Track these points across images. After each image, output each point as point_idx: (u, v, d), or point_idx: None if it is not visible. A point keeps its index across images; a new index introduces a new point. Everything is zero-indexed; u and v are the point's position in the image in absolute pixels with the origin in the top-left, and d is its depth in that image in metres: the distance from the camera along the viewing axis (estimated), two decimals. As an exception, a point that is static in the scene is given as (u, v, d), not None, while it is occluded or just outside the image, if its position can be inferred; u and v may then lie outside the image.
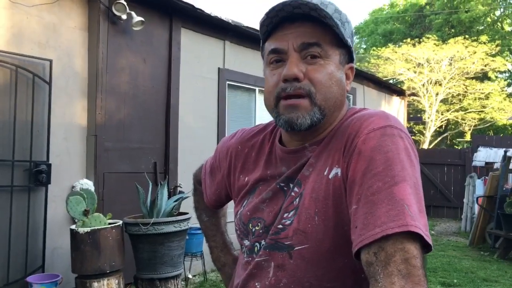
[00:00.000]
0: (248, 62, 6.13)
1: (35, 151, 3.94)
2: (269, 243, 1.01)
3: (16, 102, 3.81)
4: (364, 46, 26.68)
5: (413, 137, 17.52)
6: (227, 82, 5.91)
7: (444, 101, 16.88)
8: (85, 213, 3.56)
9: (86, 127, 4.36)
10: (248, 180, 1.14)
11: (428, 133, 16.48)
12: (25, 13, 3.91)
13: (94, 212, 3.65)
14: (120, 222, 3.74)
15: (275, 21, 0.98)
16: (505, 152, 7.95)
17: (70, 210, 3.53)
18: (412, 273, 0.74)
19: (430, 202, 10.78)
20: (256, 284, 1.02)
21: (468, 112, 17.05)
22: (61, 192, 4.07)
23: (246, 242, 1.08)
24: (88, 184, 4.17)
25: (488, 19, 22.06)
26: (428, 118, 16.21)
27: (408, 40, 17.67)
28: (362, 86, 9.51)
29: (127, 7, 4.35)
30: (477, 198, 7.84)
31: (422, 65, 15.51)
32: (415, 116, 17.09)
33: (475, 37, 18.60)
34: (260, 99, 6.41)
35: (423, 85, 15.80)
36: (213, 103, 5.72)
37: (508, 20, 22.03)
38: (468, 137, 18.11)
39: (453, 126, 19.32)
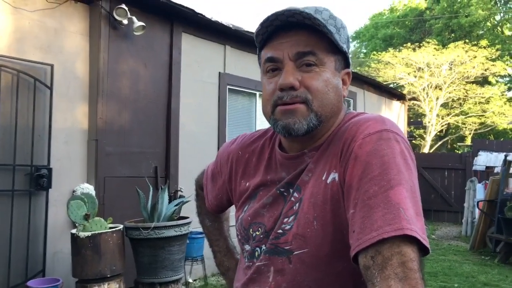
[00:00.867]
0: (249, 66, 6.15)
1: (36, 155, 3.95)
2: (269, 248, 1.02)
3: (18, 107, 3.82)
4: (365, 51, 26.72)
5: (413, 141, 17.55)
6: (228, 87, 5.93)
7: (444, 105, 16.90)
8: (86, 217, 3.57)
9: (87, 131, 4.37)
10: (249, 185, 1.15)
11: (429, 137, 16.49)
12: (27, 18, 3.93)
13: (94, 216, 3.66)
14: (121, 226, 3.74)
15: (270, 30, 1.00)
16: (506, 156, 7.94)
17: (71, 214, 3.54)
18: (409, 276, 0.75)
19: (431, 206, 10.77)
20: None
21: (468, 117, 17.06)
22: (61, 196, 4.07)
23: (247, 247, 1.09)
24: (89, 188, 4.17)
25: (488, 23, 22.10)
26: (429, 122, 16.23)
27: (408, 44, 17.70)
28: (362, 91, 9.53)
29: (128, 12, 4.37)
30: (477, 202, 7.84)
31: (422, 69, 15.54)
32: (416, 120, 17.10)
33: (475, 42, 18.63)
34: (260, 103, 6.42)
35: (424, 89, 15.82)
36: (214, 108, 5.73)
37: (508, 25, 22.06)
38: (468, 142, 18.11)
39: (453, 131, 19.33)
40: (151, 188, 4.20)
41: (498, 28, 22.51)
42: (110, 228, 3.65)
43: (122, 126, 4.59)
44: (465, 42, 16.88)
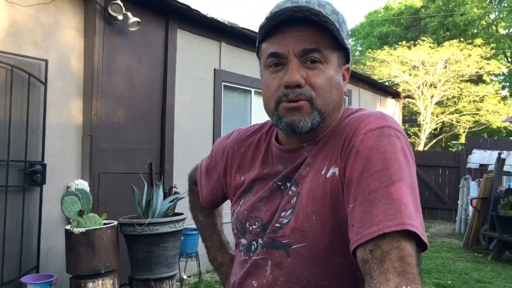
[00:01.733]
0: (244, 63, 6.14)
1: (30, 151, 3.93)
2: (266, 241, 1.01)
3: (12, 102, 3.80)
4: (360, 49, 26.76)
5: (408, 139, 17.58)
6: (223, 83, 5.92)
7: (439, 103, 16.97)
8: (80, 213, 3.56)
9: (81, 127, 4.35)
10: (245, 179, 1.14)
11: (423, 135, 16.56)
12: (21, 13, 3.91)
13: (89, 212, 3.65)
14: (115, 223, 3.73)
15: (273, 23, 0.97)
16: (499, 154, 8.00)
17: (65, 210, 3.53)
18: (407, 271, 0.76)
19: (425, 204, 10.81)
20: (253, 282, 1.03)
21: (463, 115, 17.14)
22: (56, 192, 4.06)
23: (243, 241, 1.09)
24: (83, 184, 4.16)
25: (483, 22, 22.19)
26: (423, 120, 16.29)
27: (404, 42, 17.76)
28: (357, 88, 9.54)
29: (123, 7, 4.36)
30: (471, 200, 7.88)
31: (417, 67, 15.59)
32: (410, 118, 17.16)
33: (470, 40, 18.70)
34: (256, 100, 6.42)
35: (418, 87, 15.88)
36: (209, 104, 5.72)
37: (503, 23, 22.17)
38: (462, 140, 18.20)
39: (448, 129, 19.42)
40: (145, 184, 4.19)
41: (493, 26, 22.62)
42: (105, 224, 3.64)
43: (117, 122, 4.58)
44: (460, 41, 16.95)
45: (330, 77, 0.98)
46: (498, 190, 7.22)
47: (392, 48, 18.09)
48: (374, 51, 19.56)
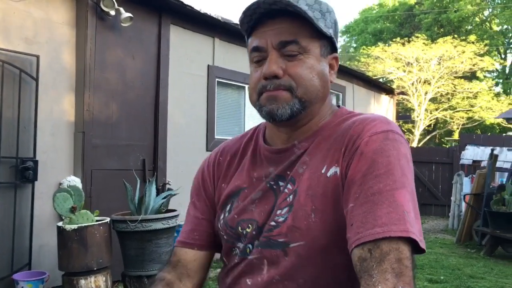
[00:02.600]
0: (238, 59, 6.12)
1: (22, 147, 3.90)
2: (262, 241, 1.00)
3: (3, 98, 3.77)
4: (355, 45, 26.79)
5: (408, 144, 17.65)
6: (217, 79, 5.90)
7: (433, 100, 17.04)
8: (72, 210, 3.54)
9: (73, 123, 4.33)
10: (230, 186, 1.12)
11: (417, 132, 16.63)
12: (12, 8, 3.87)
13: (81, 209, 3.63)
14: (108, 219, 3.72)
15: (255, 17, 1.00)
16: (492, 150, 8.03)
17: (57, 207, 3.50)
18: (404, 273, 0.78)
19: (419, 200, 10.20)
20: (248, 280, 1.02)
21: (456, 111, 17.22)
22: (48, 189, 4.03)
23: (240, 245, 1.06)
24: (75, 181, 4.14)
25: (477, 19, 22.27)
26: (417, 117, 16.35)
27: (398, 39, 17.80)
28: (351, 85, 9.55)
29: (115, 3, 4.32)
30: (464, 196, 7.92)
31: (412, 64, 15.63)
32: (404, 114, 17.21)
33: (464, 37, 18.78)
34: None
35: (412, 84, 15.93)
36: (202, 100, 5.70)
37: (496, 20, 22.25)
38: (456, 136, 18.28)
39: (441, 125, 19.50)
40: (138, 181, 4.17)
41: (487, 23, 22.69)
42: (97, 221, 3.62)
43: (110, 118, 4.55)
44: (453, 37, 17.01)
45: (310, 66, 0.99)
46: (491, 186, 7.25)
47: (386, 44, 18.14)
48: (369, 47, 19.58)
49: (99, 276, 3.50)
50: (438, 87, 16.07)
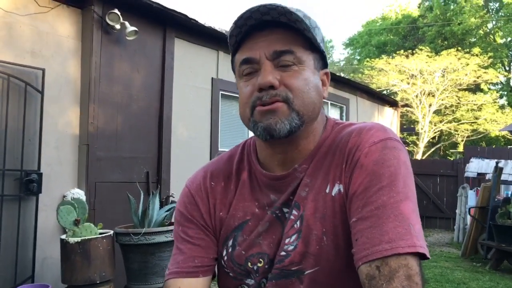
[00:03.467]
0: (242, 72, 6.15)
1: (26, 160, 3.92)
2: (274, 273, 0.95)
3: (8, 111, 3.80)
4: (358, 57, 26.87)
5: (406, 147, 17.64)
6: (221, 92, 5.93)
7: (437, 112, 17.03)
8: (76, 222, 3.54)
9: (78, 136, 4.35)
10: (231, 217, 1.04)
11: (422, 144, 16.58)
12: (18, 22, 3.91)
13: (85, 221, 3.63)
14: (111, 232, 3.72)
15: (244, 30, 0.94)
16: (497, 163, 7.99)
17: (61, 219, 3.51)
18: None
19: (423, 213, 10.79)
20: None
21: (461, 123, 17.18)
22: (52, 201, 4.04)
23: (250, 281, 1.00)
24: (79, 193, 4.15)
25: (481, 31, 22.30)
26: (422, 129, 16.32)
27: (402, 51, 17.84)
28: (355, 97, 9.56)
29: (120, 17, 4.37)
30: (469, 209, 7.86)
31: (415, 76, 15.65)
32: (409, 126, 17.20)
33: (468, 49, 18.80)
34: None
35: (416, 96, 15.93)
36: (207, 113, 5.73)
37: (500, 33, 22.27)
38: (461, 148, 18.20)
39: (446, 137, 19.45)
40: (142, 194, 4.17)
41: (490, 36, 22.72)
42: (100, 233, 3.62)
43: (114, 131, 4.57)
44: (457, 50, 17.04)
45: (306, 78, 0.94)
46: (496, 199, 7.20)
47: (390, 57, 18.20)
48: (372, 60, 19.63)
49: (102, 289, 3.49)
50: (442, 99, 16.07)
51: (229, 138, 6.14)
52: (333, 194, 0.93)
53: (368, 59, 21.97)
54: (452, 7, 22.12)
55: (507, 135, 17.44)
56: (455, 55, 15.89)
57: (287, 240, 0.95)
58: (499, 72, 20.08)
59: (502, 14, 22.21)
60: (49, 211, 4.01)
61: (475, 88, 18.39)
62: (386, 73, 16.50)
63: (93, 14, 4.32)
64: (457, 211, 8.89)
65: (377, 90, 12.56)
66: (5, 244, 3.77)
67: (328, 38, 30.46)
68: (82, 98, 4.37)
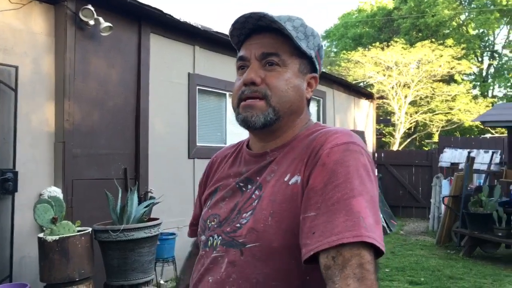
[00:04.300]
0: (218, 67, 6.17)
1: (1, 159, 3.88)
2: (227, 240, 1.06)
3: (-19, 110, 3.75)
4: (335, 50, 27.03)
5: (383, 139, 17.89)
6: (198, 87, 5.93)
7: (412, 103, 17.29)
8: (53, 221, 3.53)
9: (53, 133, 4.31)
10: (214, 185, 1.22)
11: (398, 135, 16.85)
12: (-10, 19, 3.85)
13: (62, 219, 3.62)
14: (90, 229, 3.71)
15: (244, 32, 1.11)
16: (469, 153, 8.21)
17: (38, 218, 3.49)
18: (366, 277, 0.83)
19: (399, 202, 11.02)
20: (209, 278, 1.07)
21: (435, 114, 17.49)
22: (28, 200, 4.01)
23: (203, 237, 1.15)
24: (56, 191, 4.12)
25: (454, 23, 22.68)
26: (398, 120, 16.57)
27: (377, 44, 18.04)
28: (331, 90, 9.66)
29: (94, 13, 4.33)
30: (443, 198, 8.06)
31: (391, 68, 15.86)
32: (385, 118, 17.43)
33: (442, 41, 19.11)
34: (230, 103, 6.45)
35: (392, 87, 16.16)
36: (184, 108, 5.73)
37: (473, 24, 22.69)
38: (436, 138, 18.54)
39: (421, 128, 19.77)
40: (120, 190, 4.17)
41: (463, 27, 23.13)
42: (79, 231, 3.62)
43: (90, 128, 4.55)
44: (431, 41, 17.30)
45: (287, 78, 1.08)
46: (468, 188, 7.41)
47: (366, 49, 18.35)
48: (349, 52, 19.80)
49: (81, 287, 3.49)
50: (417, 91, 16.33)
51: (207, 133, 6.16)
52: (289, 183, 1.02)
53: (344, 51, 22.15)
54: (426, -1, 22.42)
55: (480, 124, 17.83)
56: (429, 47, 16.15)
57: (244, 215, 1.05)
58: (472, 63, 20.46)
59: (474, 6, 22.62)
60: (26, 209, 3.98)
61: (449, 79, 18.74)
62: (362, 65, 16.68)
63: (66, 10, 4.28)
64: (431, 200, 9.10)
65: (354, 82, 12.70)
66: (-19, 244, 3.74)
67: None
68: (57, 95, 4.33)
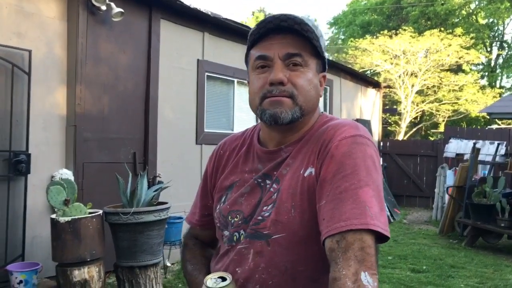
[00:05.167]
0: (227, 53, 6.20)
1: (15, 141, 3.96)
2: (249, 232, 1.14)
3: (-5, 92, 3.82)
4: (343, 37, 26.87)
5: (388, 128, 17.88)
6: (206, 74, 5.97)
7: (419, 92, 17.24)
8: (66, 202, 3.62)
9: (65, 117, 4.39)
10: (226, 179, 1.28)
11: (404, 124, 16.83)
12: (4, 3, 3.90)
13: (74, 201, 3.71)
14: (101, 212, 3.80)
15: (262, 31, 1.14)
16: (474, 144, 8.23)
17: (51, 199, 3.58)
18: (366, 259, 0.93)
19: (403, 192, 11.08)
20: (237, 269, 1.15)
21: (442, 104, 17.43)
22: (40, 182, 4.10)
23: (226, 233, 1.21)
24: (67, 174, 4.21)
25: (463, 12, 22.46)
26: (404, 109, 16.54)
27: (385, 31, 17.92)
28: (339, 78, 9.67)
29: (106, -2, 4.37)
30: (447, 188, 8.11)
31: (399, 56, 15.78)
32: (391, 107, 17.40)
33: (451, 30, 18.96)
34: (238, 90, 6.50)
35: (399, 76, 16.10)
36: (192, 94, 5.78)
37: (482, 13, 22.47)
38: (442, 128, 18.51)
39: (427, 117, 19.72)
40: (130, 174, 4.25)
41: (473, 16, 22.90)
42: (90, 213, 3.71)
43: (101, 112, 4.62)
44: (440, 30, 17.17)
45: (309, 78, 1.14)
46: (473, 179, 7.45)
47: (374, 37, 18.24)
48: (356, 40, 19.70)
49: (92, 267, 3.59)
50: (424, 80, 16.26)
51: (214, 119, 6.21)
52: (305, 175, 1.10)
53: (352, 39, 22.02)
54: (436, -13, 22.18)
55: (487, 115, 17.79)
56: (438, 36, 16.04)
57: (264, 208, 1.14)
58: (480, 53, 20.33)
59: (485, -5, 22.37)
60: (38, 191, 4.08)
61: (457, 69, 18.61)
62: (369, 53, 16.60)
63: (79, -5, 4.32)
64: (436, 190, 9.15)
65: (361, 70, 12.67)
66: (-5, 223, 3.84)
67: (313, 17, 30.28)
68: (69, 79, 4.39)
